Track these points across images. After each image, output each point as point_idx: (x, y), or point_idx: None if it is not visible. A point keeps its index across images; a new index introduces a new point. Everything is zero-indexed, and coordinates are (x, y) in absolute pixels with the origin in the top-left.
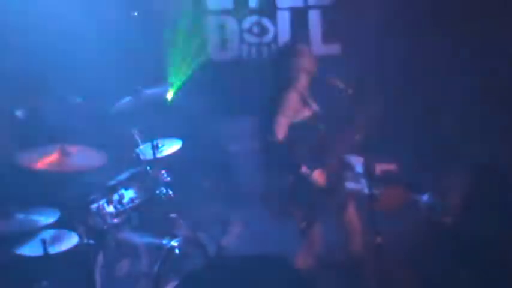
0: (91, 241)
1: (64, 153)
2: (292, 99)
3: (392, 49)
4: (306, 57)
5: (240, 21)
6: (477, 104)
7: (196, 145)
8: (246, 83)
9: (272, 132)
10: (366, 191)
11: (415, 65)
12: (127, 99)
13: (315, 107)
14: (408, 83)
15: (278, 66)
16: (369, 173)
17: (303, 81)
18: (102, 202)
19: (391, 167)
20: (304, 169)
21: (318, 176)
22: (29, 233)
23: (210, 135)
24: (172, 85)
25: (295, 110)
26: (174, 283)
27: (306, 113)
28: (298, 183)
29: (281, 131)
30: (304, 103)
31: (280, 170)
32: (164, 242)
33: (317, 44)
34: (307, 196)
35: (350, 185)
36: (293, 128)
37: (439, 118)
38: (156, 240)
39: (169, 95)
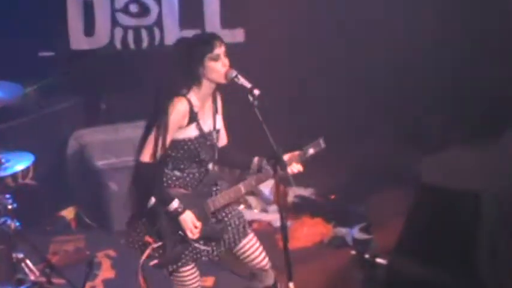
0: None
1: None
2: (177, 111)
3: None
4: (222, 55)
5: None
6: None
7: (52, 160)
8: (119, 79)
9: (139, 151)
10: (275, 222)
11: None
12: None
13: (208, 127)
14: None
15: (178, 60)
16: (280, 200)
17: (206, 86)
18: None
19: (309, 192)
20: (174, 204)
21: (187, 220)
22: None
23: (72, 147)
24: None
25: (177, 126)
26: None
27: (192, 133)
28: (163, 220)
29: (149, 152)
30: (193, 119)
31: (145, 198)
32: None
33: (214, 28)
34: (168, 237)
35: (254, 215)
36: (171, 149)
37: (371, 125)
38: None
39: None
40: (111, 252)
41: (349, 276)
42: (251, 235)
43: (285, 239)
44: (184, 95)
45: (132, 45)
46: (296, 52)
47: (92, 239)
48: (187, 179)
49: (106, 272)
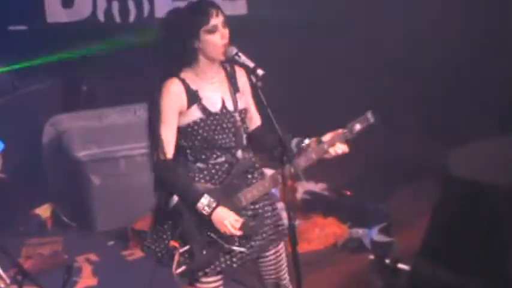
0: None
1: None
2: (169, 94)
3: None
4: (220, 26)
5: None
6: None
7: (25, 150)
8: (103, 58)
9: (158, 150)
10: (282, 221)
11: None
12: None
13: (216, 106)
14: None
15: (169, 36)
16: (287, 196)
17: (203, 63)
18: None
19: (321, 187)
20: (204, 201)
21: (223, 215)
22: None
23: (48, 134)
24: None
25: (175, 110)
26: None
27: (195, 115)
28: (187, 220)
29: (159, 147)
30: (193, 100)
31: (165, 197)
32: None
33: None
34: (195, 239)
35: None
36: (181, 138)
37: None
38: None
39: None
40: (93, 256)
41: (366, 283)
42: (281, 244)
43: (294, 241)
44: (177, 75)
45: (117, 18)
46: (297, 52)
47: (71, 241)
48: (213, 171)
49: (87, 278)
